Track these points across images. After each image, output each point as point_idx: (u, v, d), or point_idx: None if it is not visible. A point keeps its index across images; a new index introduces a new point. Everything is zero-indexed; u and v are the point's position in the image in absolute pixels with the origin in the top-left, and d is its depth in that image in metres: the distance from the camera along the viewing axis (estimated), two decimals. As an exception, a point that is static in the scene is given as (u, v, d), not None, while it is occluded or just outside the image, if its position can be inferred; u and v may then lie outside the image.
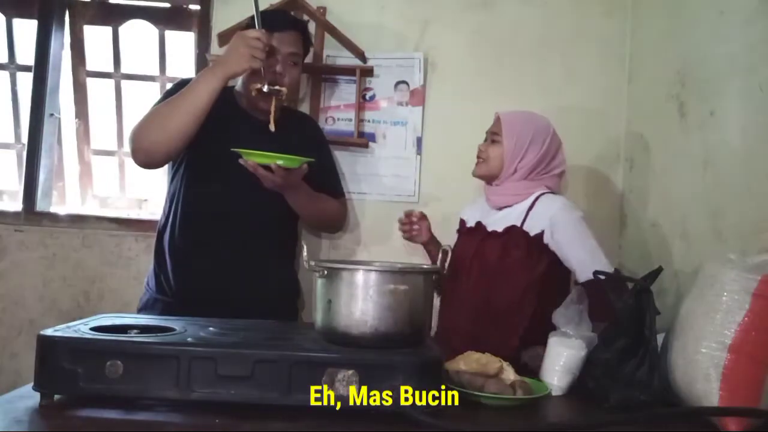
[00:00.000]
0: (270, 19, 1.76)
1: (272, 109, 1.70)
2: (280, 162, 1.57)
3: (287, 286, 1.92)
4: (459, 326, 1.64)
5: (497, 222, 1.70)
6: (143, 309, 1.82)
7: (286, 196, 1.72)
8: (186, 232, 1.76)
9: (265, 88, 1.69)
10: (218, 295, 1.71)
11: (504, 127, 1.70)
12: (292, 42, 1.78)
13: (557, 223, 1.60)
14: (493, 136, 1.73)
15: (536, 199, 1.67)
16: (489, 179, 1.76)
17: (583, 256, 1.57)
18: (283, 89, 1.71)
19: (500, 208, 1.73)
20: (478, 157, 1.76)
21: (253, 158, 1.56)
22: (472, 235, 1.75)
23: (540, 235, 1.61)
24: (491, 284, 1.61)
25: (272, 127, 1.70)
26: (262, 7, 2.16)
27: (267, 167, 1.57)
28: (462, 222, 1.86)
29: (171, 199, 1.81)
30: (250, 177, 1.59)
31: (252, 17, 1.80)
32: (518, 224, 1.64)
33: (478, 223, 1.74)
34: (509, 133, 1.69)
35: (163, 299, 1.77)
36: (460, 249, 1.74)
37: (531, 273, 1.61)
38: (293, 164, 1.60)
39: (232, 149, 1.56)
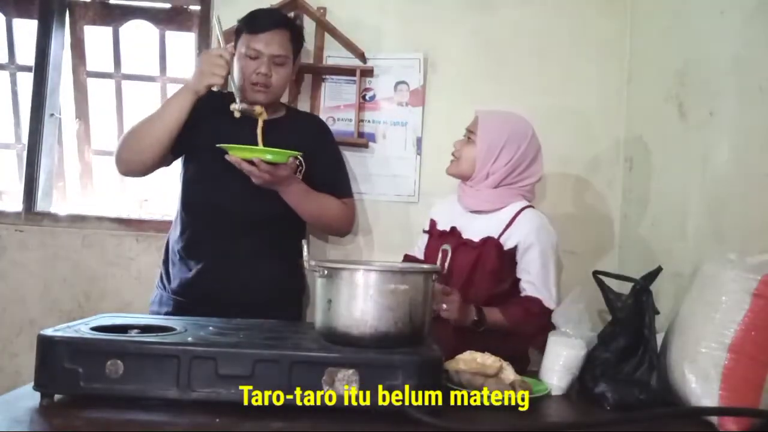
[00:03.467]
0: (253, 22, 1.76)
1: (259, 129, 1.69)
2: (269, 156, 1.56)
3: (290, 282, 1.92)
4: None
5: (473, 230, 1.68)
6: (153, 305, 1.86)
7: (280, 193, 1.71)
8: (187, 231, 1.80)
9: (236, 114, 1.66)
10: (220, 292, 1.73)
11: (479, 129, 1.68)
12: (277, 42, 1.76)
13: (534, 242, 1.62)
14: (469, 134, 1.71)
15: (518, 213, 1.66)
16: (462, 178, 1.75)
17: (537, 280, 1.62)
18: (256, 108, 1.69)
19: (472, 211, 1.72)
20: (453, 154, 1.74)
21: (237, 153, 1.56)
22: (445, 239, 1.68)
23: (514, 250, 1.63)
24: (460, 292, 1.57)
25: (260, 145, 1.68)
26: (261, 7, 2.19)
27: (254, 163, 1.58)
28: (432, 222, 1.81)
29: (180, 197, 1.85)
30: (246, 175, 1.60)
31: (239, 20, 1.81)
32: (495, 236, 1.64)
33: (453, 228, 1.72)
34: (483, 136, 1.67)
35: (172, 296, 1.81)
36: (430, 252, 1.73)
37: (498, 286, 1.64)
38: (279, 158, 1.58)
39: (217, 145, 1.57)
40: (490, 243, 1.63)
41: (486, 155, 1.67)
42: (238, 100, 1.64)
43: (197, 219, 1.79)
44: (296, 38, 1.84)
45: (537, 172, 1.72)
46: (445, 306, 1.49)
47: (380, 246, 2.24)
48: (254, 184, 1.64)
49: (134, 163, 1.73)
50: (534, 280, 1.62)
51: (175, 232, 1.85)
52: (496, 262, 1.62)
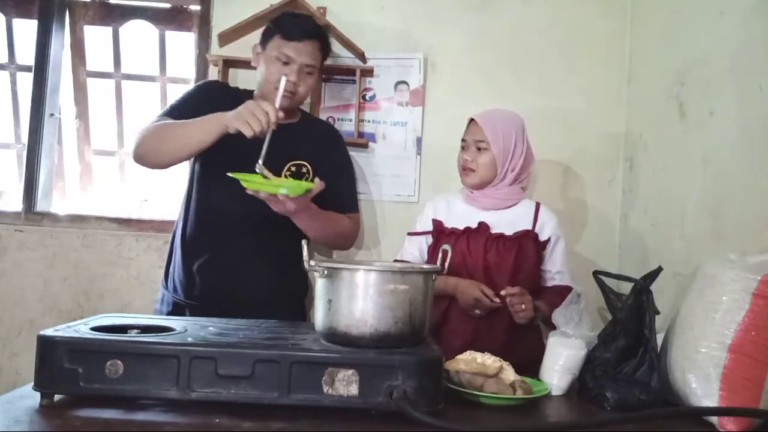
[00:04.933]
0: (288, 28, 1.74)
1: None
2: (284, 190, 1.50)
3: (292, 283, 1.91)
4: (461, 327, 1.65)
5: (500, 224, 1.70)
6: (156, 303, 1.85)
7: (293, 218, 1.66)
8: (190, 229, 1.78)
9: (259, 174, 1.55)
10: (220, 292, 1.72)
11: (488, 133, 1.69)
12: (309, 52, 1.75)
13: (561, 235, 1.75)
14: (478, 144, 1.71)
15: (537, 207, 1.75)
16: (482, 187, 1.74)
17: (564, 269, 1.77)
18: (274, 180, 1.57)
19: (487, 210, 1.73)
20: (466, 168, 1.73)
21: (254, 187, 1.50)
22: (472, 236, 1.70)
23: (546, 242, 1.72)
24: (503, 286, 1.59)
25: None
26: (261, 6, 2.18)
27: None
28: (438, 223, 1.77)
29: (186, 197, 1.83)
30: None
31: (272, 21, 1.78)
32: (530, 228, 1.71)
33: (481, 223, 1.71)
34: (494, 139, 1.69)
35: (172, 296, 1.79)
36: (457, 249, 1.70)
37: (537, 274, 1.73)
38: (295, 191, 1.52)
39: (228, 174, 1.51)
40: (529, 235, 1.70)
41: (504, 156, 1.70)
42: (261, 160, 1.52)
43: (202, 217, 1.78)
44: (325, 48, 1.83)
45: (533, 157, 1.80)
46: (523, 306, 1.55)
47: (380, 246, 2.24)
48: None
49: (149, 160, 1.70)
50: (563, 269, 1.75)
51: (177, 230, 1.84)
52: (533, 253, 1.70)
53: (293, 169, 1.76)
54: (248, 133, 1.50)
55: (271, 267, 1.81)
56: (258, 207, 1.71)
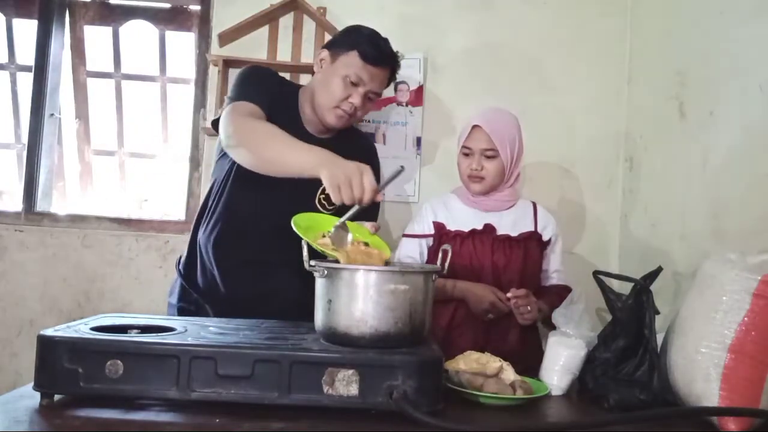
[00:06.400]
0: (371, 51, 1.66)
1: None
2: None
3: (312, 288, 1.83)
4: (471, 330, 1.65)
5: (503, 226, 1.70)
6: (172, 296, 1.77)
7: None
8: (220, 230, 1.69)
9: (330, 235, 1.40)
10: (248, 297, 1.65)
11: (497, 142, 1.67)
12: (381, 79, 1.69)
13: (558, 237, 1.77)
14: (485, 152, 1.68)
15: (534, 207, 1.77)
16: (490, 192, 1.73)
17: (560, 269, 1.79)
18: (339, 252, 1.37)
19: (487, 211, 1.73)
20: (474, 176, 1.70)
21: (325, 251, 1.33)
22: (478, 237, 1.69)
23: (548, 242, 1.74)
24: (511, 287, 1.58)
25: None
26: (261, 6, 2.18)
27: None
28: (439, 225, 1.74)
29: (216, 195, 1.74)
30: (292, 187, 1.50)
31: (352, 35, 1.73)
32: (533, 229, 1.72)
33: (487, 225, 1.70)
34: (503, 146, 1.67)
35: (195, 296, 1.71)
36: (463, 251, 1.69)
37: (540, 274, 1.75)
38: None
39: (294, 225, 1.35)
40: (534, 236, 1.71)
41: (510, 161, 1.70)
42: (332, 230, 1.37)
43: (235, 223, 1.69)
44: (392, 77, 1.78)
45: (523, 152, 1.78)
46: (529, 308, 1.56)
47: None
48: (299, 194, 1.55)
49: (235, 155, 1.58)
50: (560, 268, 1.77)
51: (205, 230, 1.72)
52: (538, 254, 1.72)
53: (327, 193, 1.70)
54: (336, 200, 1.32)
55: (303, 278, 1.72)
56: (288, 214, 1.62)
